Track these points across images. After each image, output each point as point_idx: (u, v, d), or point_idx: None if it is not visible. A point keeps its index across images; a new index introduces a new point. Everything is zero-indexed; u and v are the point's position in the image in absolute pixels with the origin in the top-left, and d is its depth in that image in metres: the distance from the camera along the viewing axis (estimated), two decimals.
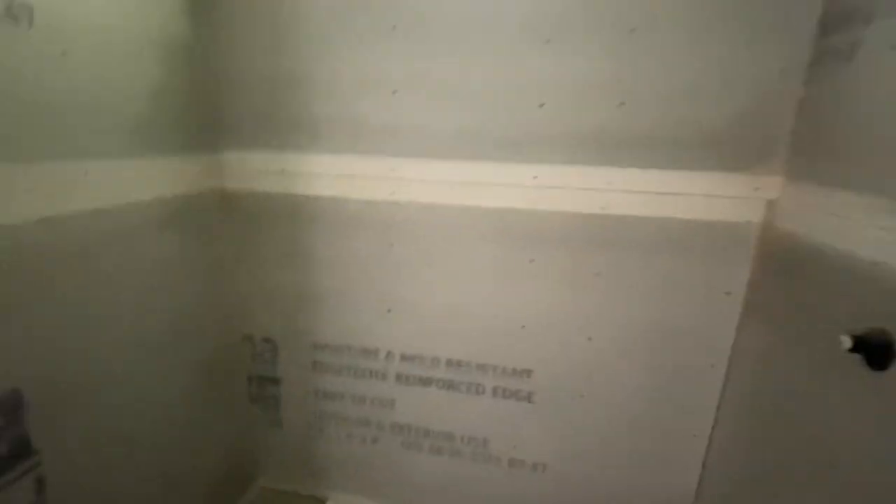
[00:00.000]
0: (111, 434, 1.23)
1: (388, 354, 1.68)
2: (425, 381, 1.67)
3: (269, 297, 1.72)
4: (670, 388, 1.47)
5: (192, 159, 1.47)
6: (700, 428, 1.48)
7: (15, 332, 0.98)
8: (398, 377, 1.70)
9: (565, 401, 1.56)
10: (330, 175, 1.55)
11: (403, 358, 1.67)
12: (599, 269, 1.42)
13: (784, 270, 1.19)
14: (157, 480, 1.40)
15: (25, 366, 1.00)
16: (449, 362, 1.63)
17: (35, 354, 1.02)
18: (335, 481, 1.90)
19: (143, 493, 1.35)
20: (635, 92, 1.27)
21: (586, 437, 1.58)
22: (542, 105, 1.33)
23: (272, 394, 1.83)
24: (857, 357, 0.84)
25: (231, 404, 1.77)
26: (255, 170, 1.59)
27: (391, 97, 1.43)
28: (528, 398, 1.59)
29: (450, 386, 1.65)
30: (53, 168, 1.03)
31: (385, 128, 1.46)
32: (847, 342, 0.81)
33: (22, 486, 1.01)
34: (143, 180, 1.29)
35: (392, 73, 1.41)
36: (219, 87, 1.53)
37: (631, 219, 1.36)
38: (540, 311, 1.50)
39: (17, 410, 1.00)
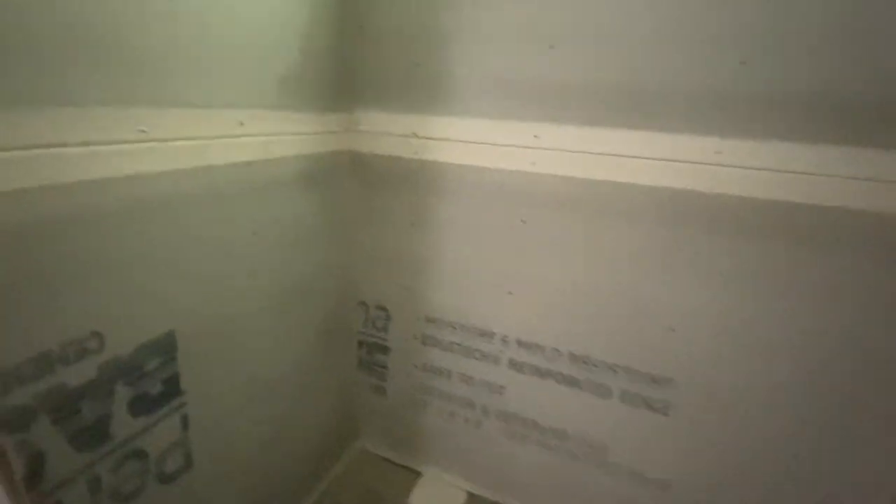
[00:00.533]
0: (243, 378, 1.27)
1: (504, 339, 1.57)
2: (543, 373, 1.54)
3: (388, 265, 1.68)
4: (855, 425, 1.19)
5: (330, 117, 1.44)
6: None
7: (171, 276, 1.00)
8: (512, 363, 1.58)
9: (710, 419, 1.34)
10: (465, 140, 1.43)
11: (520, 344, 1.55)
12: (784, 266, 1.16)
13: None
14: (271, 425, 1.44)
15: (178, 309, 1.03)
16: (573, 357, 1.47)
17: (186, 299, 1.05)
18: (432, 456, 1.87)
19: (259, 436, 1.39)
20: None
21: (727, 461, 1.35)
22: (743, 62, 1.07)
23: (380, 361, 1.82)
24: None
25: (341, 366, 1.79)
26: (387, 132, 1.53)
27: (547, 53, 1.26)
28: (664, 410, 1.39)
29: (571, 382, 1.50)
30: (211, 115, 1.02)
31: (533, 89, 1.30)
32: None
33: (171, 423, 1.06)
34: (287, 135, 1.27)
35: (553, 24, 1.23)
36: (360, 39, 1.47)
37: (838, 211, 1.08)
38: (696, 313, 1.27)
39: (172, 351, 1.03)
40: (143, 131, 0.88)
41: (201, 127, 1.00)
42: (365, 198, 1.63)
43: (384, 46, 1.45)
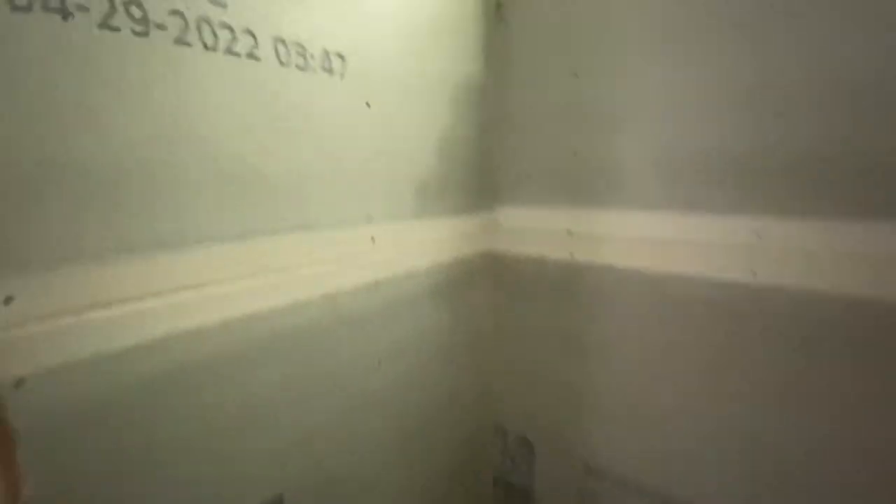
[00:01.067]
0: None
1: None
2: None
3: (529, 385, 1.35)
4: None
5: (467, 218, 1.25)
6: None
7: (281, 427, 0.83)
8: None
9: None
10: (631, 238, 1.10)
11: None
12: None
13: None
14: None
15: (288, 468, 0.84)
16: None
17: (297, 455, 0.86)
18: None
19: None
20: None
21: None
22: None
23: None
24: None
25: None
26: (533, 228, 1.28)
27: (771, 120, 0.90)
28: None
29: None
30: (338, 235, 0.89)
31: (746, 170, 0.93)
32: None
33: None
34: (420, 245, 1.10)
35: (778, 85, 0.88)
36: (504, 129, 1.29)
37: None
38: None
39: None
40: (263, 264, 0.76)
41: (327, 249, 0.87)
42: (506, 307, 1.37)
43: (533, 134, 1.25)
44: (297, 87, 0.78)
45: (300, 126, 0.80)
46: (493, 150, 1.30)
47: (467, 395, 1.34)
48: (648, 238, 1.08)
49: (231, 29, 0.68)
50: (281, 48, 0.75)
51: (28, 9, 0.50)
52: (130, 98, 0.59)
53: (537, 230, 1.27)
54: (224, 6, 0.67)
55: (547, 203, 1.24)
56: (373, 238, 0.95)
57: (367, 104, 0.91)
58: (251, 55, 0.71)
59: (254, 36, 0.71)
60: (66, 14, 0.52)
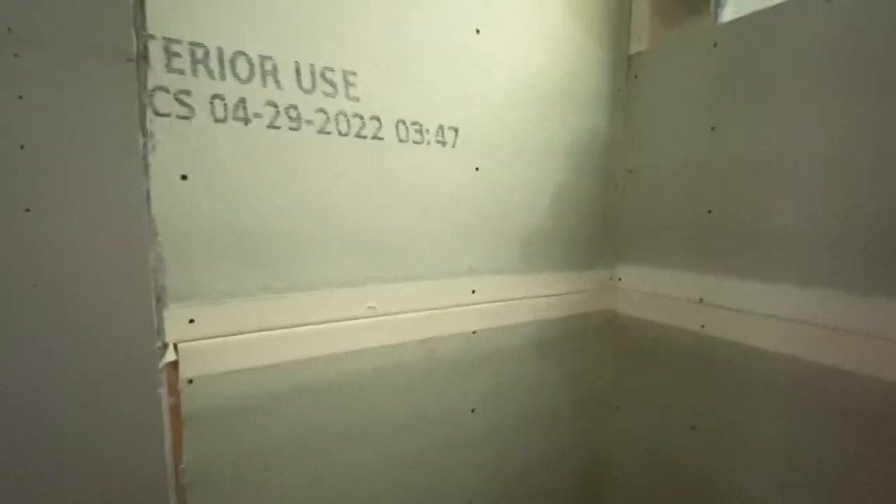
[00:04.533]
0: None
1: None
2: None
3: (652, 472, 1.19)
4: None
5: (584, 275, 1.21)
6: None
7: (370, 453, 0.92)
8: None
9: None
10: (779, 317, 0.91)
11: None
12: None
13: None
14: None
15: (364, 493, 0.93)
16: None
17: (378, 483, 0.94)
18: None
19: None
20: None
21: None
22: None
23: None
24: None
25: None
26: (660, 294, 1.16)
27: None
28: None
29: None
30: (441, 286, 0.97)
31: None
32: None
33: None
34: (525, 299, 1.11)
35: None
36: (628, 184, 1.23)
37: None
38: None
39: None
40: (373, 307, 0.88)
41: (429, 298, 0.96)
42: (622, 372, 1.26)
43: (661, 189, 1.15)
44: (412, 159, 0.91)
45: (414, 190, 0.92)
46: (616, 206, 1.24)
47: (571, 459, 1.26)
48: (803, 320, 0.88)
49: (361, 117, 0.84)
50: (401, 127, 0.89)
51: (224, 120, 0.72)
52: (284, 177, 0.78)
53: (663, 295, 1.15)
54: (358, 100, 0.84)
55: (675, 265, 1.13)
56: (473, 290, 1.01)
57: (476, 168, 0.99)
58: (376, 136, 0.86)
59: (379, 121, 0.86)
60: (247, 121, 0.74)
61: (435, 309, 0.97)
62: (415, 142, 0.91)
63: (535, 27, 1.04)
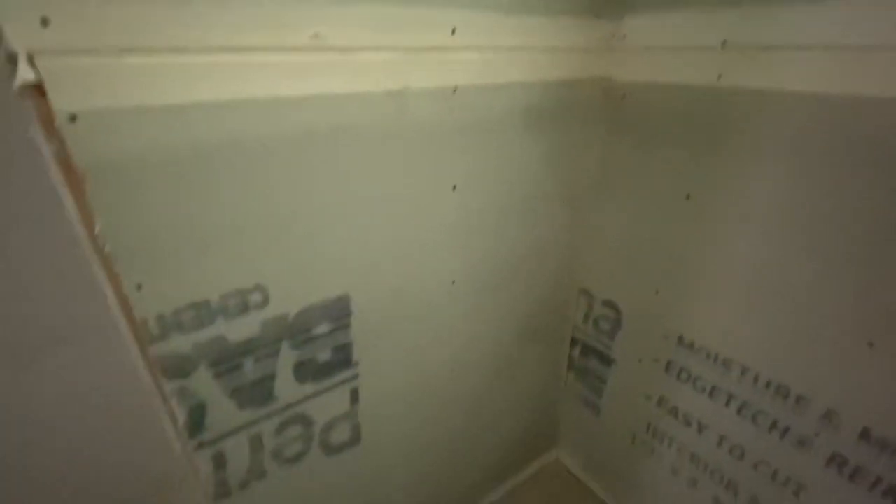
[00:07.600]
0: (429, 360, 1.07)
1: (832, 415, 0.89)
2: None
3: (633, 250, 1.18)
4: None
5: (584, 25, 0.99)
6: None
7: (347, 230, 0.80)
8: (835, 459, 0.90)
9: None
10: (823, 45, 0.77)
11: (865, 438, 0.85)
12: None
13: None
14: (459, 418, 1.23)
15: (353, 271, 0.84)
16: None
17: (363, 261, 0.85)
18: (631, 499, 1.38)
19: (445, 428, 1.20)
20: None
21: None
22: None
23: (597, 371, 1.38)
24: None
25: (547, 360, 1.43)
26: (671, 46, 0.98)
27: None
28: None
29: None
30: (411, 15, 0.73)
31: None
32: None
33: (340, 395, 0.93)
34: (513, 51, 0.90)
35: None
36: None
37: None
38: None
39: (345, 318, 0.87)
40: (317, 36, 0.65)
41: (395, 34, 0.73)
42: (614, 151, 1.15)
43: None
44: None
45: None
46: None
47: (556, 249, 1.23)
48: (848, 45, 0.74)
49: None
50: None
51: None
52: None
53: (677, 46, 0.97)
54: None
55: (691, 5, 0.92)
56: (454, 29, 0.78)
57: None
58: None
59: None
60: None
61: (405, 49, 0.75)
62: None
63: None
